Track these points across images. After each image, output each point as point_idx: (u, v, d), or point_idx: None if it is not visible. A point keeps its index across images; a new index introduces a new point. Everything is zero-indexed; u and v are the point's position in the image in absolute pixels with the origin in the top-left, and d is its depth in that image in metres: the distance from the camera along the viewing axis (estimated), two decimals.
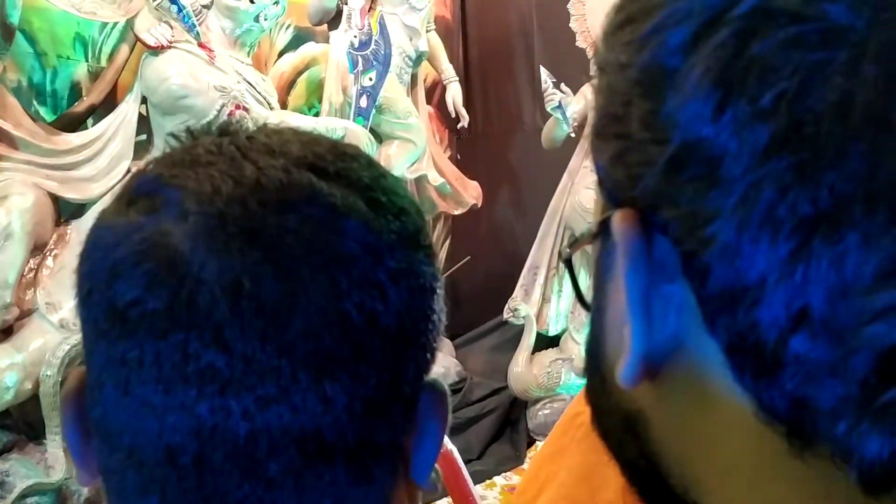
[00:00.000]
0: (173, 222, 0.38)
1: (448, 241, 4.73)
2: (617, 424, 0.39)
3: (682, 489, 0.36)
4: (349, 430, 0.39)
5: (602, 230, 0.37)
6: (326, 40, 3.80)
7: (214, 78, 2.91)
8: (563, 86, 3.83)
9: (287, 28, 3.82)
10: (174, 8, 2.90)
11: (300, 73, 3.92)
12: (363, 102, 3.48)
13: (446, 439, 0.67)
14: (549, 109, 3.85)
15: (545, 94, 3.83)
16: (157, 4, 2.91)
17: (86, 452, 0.42)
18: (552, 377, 3.91)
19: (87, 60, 3.14)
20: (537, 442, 3.79)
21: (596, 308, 0.39)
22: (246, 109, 2.93)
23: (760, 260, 0.30)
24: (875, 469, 0.30)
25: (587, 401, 0.42)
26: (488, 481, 3.56)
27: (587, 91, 4.05)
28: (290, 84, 3.91)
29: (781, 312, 0.30)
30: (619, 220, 0.34)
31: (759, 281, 0.30)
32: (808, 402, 0.30)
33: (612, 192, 0.36)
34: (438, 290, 0.43)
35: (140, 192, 0.40)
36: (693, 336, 0.33)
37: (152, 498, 0.38)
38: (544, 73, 3.84)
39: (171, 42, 2.87)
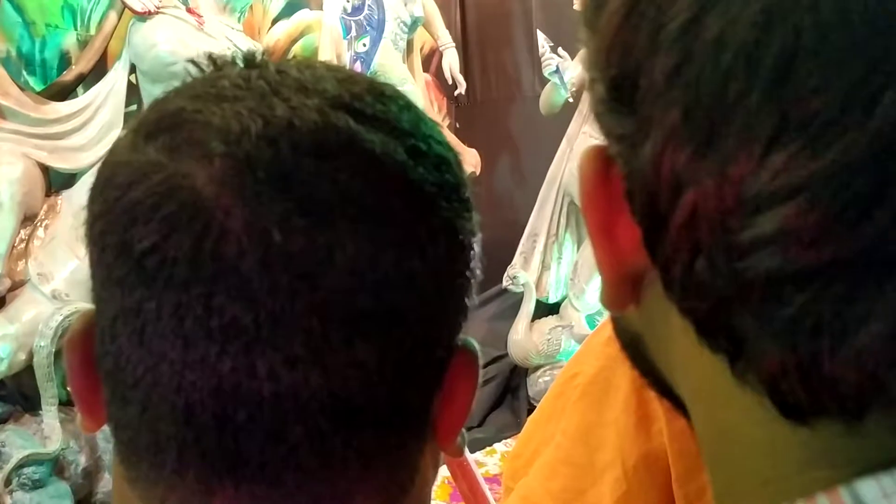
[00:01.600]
0: (196, 163, 0.34)
1: None
2: (629, 347, 0.41)
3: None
4: (380, 395, 0.36)
5: None
6: (320, 7, 3.76)
7: (203, 44, 2.87)
8: (560, 50, 3.78)
9: None
10: None
11: (295, 40, 3.88)
12: (357, 68, 3.44)
13: (466, 451, 0.65)
14: (546, 74, 3.81)
15: (543, 59, 3.78)
16: None
17: (92, 400, 0.39)
18: (552, 344, 3.90)
19: (75, 29, 3.11)
20: None
21: None
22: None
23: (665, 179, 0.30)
24: (778, 388, 0.30)
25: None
26: (488, 448, 3.57)
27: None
28: (285, 52, 3.87)
29: (682, 240, 0.30)
30: (584, 154, 0.34)
31: (665, 212, 0.30)
32: (731, 329, 0.30)
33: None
34: (475, 248, 0.40)
35: (160, 126, 0.36)
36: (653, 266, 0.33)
37: (167, 456, 0.36)
38: (542, 38, 3.79)
39: (158, 8, 2.83)
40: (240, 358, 0.34)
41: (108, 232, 0.35)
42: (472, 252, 0.40)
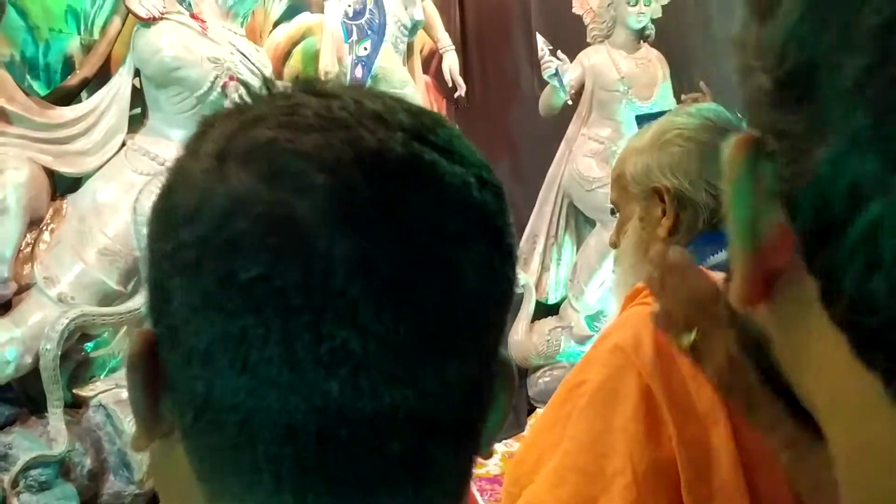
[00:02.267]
0: (297, 193, 0.36)
1: None
2: (749, 344, 0.39)
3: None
4: (456, 409, 0.39)
5: None
6: (321, 11, 3.77)
7: (207, 49, 2.90)
8: (559, 53, 3.81)
9: None
10: None
11: (295, 43, 3.90)
12: (358, 72, 3.47)
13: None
14: (545, 77, 3.84)
15: (542, 62, 3.81)
16: None
17: (154, 417, 0.40)
18: (551, 345, 3.93)
19: (79, 33, 3.12)
20: (537, 409, 3.81)
21: None
22: (240, 81, 2.92)
23: (846, 198, 0.27)
24: None
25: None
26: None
27: (584, 58, 4.03)
28: (286, 55, 3.88)
29: (859, 253, 0.28)
30: (731, 144, 0.33)
31: (842, 221, 0.28)
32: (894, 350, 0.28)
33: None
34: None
35: (252, 155, 0.37)
36: (796, 267, 0.32)
37: (265, 475, 0.37)
38: (541, 41, 3.82)
39: (162, 13, 2.85)
40: (347, 379, 0.36)
41: (208, 260, 0.36)
42: (516, 273, 0.43)
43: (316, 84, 0.41)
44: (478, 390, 0.40)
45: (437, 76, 4.44)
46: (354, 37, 3.44)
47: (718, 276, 1.13)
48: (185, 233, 0.37)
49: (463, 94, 4.36)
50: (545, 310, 4.06)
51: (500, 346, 0.43)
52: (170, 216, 0.39)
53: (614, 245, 1.36)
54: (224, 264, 0.36)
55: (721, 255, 1.21)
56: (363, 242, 0.36)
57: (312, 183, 0.36)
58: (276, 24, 3.84)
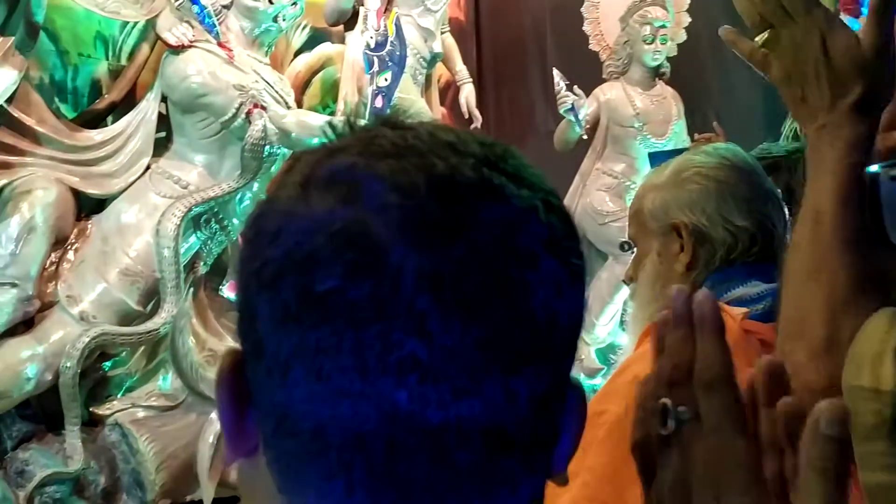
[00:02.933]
0: (374, 212, 0.38)
1: None
2: None
3: None
4: (527, 425, 0.40)
5: None
6: (342, 41, 3.84)
7: (233, 77, 2.96)
8: (576, 88, 3.87)
9: (303, 28, 3.86)
10: (195, 8, 2.95)
11: (315, 72, 3.96)
12: (378, 102, 3.52)
13: None
14: (561, 112, 3.89)
15: (558, 97, 3.86)
16: (179, 4, 2.96)
17: (240, 432, 0.42)
18: None
19: (107, 59, 3.20)
20: None
21: None
22: (263, 108, 2.98)
23: None
24: None
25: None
26: None
27: (599, 94, 4.09)
28: (306, 83, 3.95)
29: None
30: None
31: None
32: None
33: None
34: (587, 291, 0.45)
35: (335, 179, 0.40)
36: None
37: (337, 482, 0.38)
38: (557, 76, 3.88)
39: (191, 41, 2.92)
40: (414, 388, 0.37)
41: (288, 274, 0.38)
42: (586, 293, 0.44)
43: (394, 119, 0.44)
44: (548, 409, 0.41)
45: (454, 108, 4.50)
46: (376, 67, 3.51)
47: (737, 312, 1.17)
48: (270, 251, 0.40)
49: (479, 126, 4.42)
50: None
51: (571, 366, 0.44)
52: (257, 239, 0.41)
53: (630, 280, 1.38)
54: (302, 278, 0.38)
55: (738, 291, 1.24)
56: (433, 258, 0.37)
57: (387, 202, 0.38)
58: (297, 53, 3.91)
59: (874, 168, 0.68)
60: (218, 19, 3.03)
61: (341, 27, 3.84)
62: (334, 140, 0.44)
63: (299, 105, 3.80)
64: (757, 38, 0.88)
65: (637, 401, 0.54)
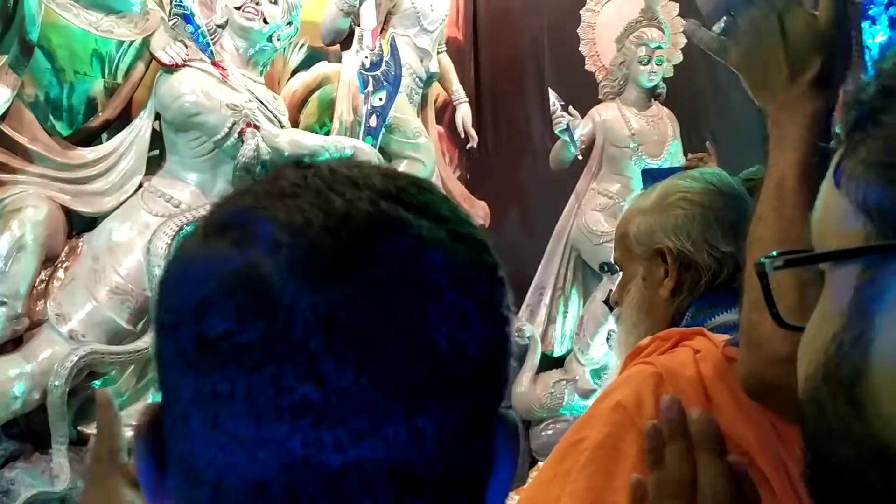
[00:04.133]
0: (264, 254, 0.37)
1: None
2: (863, 454, 0.38)
3: None
4: (437, 464, 0.38)
5: (861, 257, 0.38)
6: (339, 60, 3.85)
7: (227, 96, 2.97)
8: (571, 108, 3.87)
9: (301, 47, 3.87)
10: (189, 27, 2.96)
11: (312, 91, 3.97)
12: (372, 122, 3.53)
13: None
14: (556, 132, 3.90)
15: (553, 117, 3.87)
16: (173, 24, 2.97)
17: (159, 487, 0.41)
18: (555, 398, 3.92)
19: (103, 77, 3.20)
20: (539, 462, 3.79)
21: (858, 336, 0.39)
22: (256, 127, 2.98)
23: None
24: None
25: (806, 421, 0.42)
26: None
27: (595, 114, 4.10)
28: (303, 102, 3.95)
29: None
30: None
31: None
32: None
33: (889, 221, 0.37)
34: (513, 321, 0.43)
35: (230, 223, 0.39)
36: None
37: None
38: (553, 96, 3.88)
39: (185, 60, 2.93)
40: (309, 433, 0.36)
41: (184, 321, 0.38)
42: (510, 325, 0.43)
43: (302, 159, 0.44)
44: (464, 446, 0.40)
45: (451, 127, 4.51)
46: (370, 87, 3.51)
47: (720, 339, 1.15)
48: (169, 298, 0.40)
49: (475, 146, 4.42)
50: (550, 362, 4.05)
51: (499, 401, 0.43)
52: (162, 286, 0.41)
53: (616, 303, 1.37)
54: (196, 325, 0.38)
55: (722, 317, 1.23)
56: (325, 297, 0.36)
57: (279, 242, 0.37)
58: (294, 72, 3.92)
59: None
60: (212, 39, 3.03)
61: (338, 46, 3.86)
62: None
63: (296, 123, 3.81)
64: (714, 27, 0.90)
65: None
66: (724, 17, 0.90)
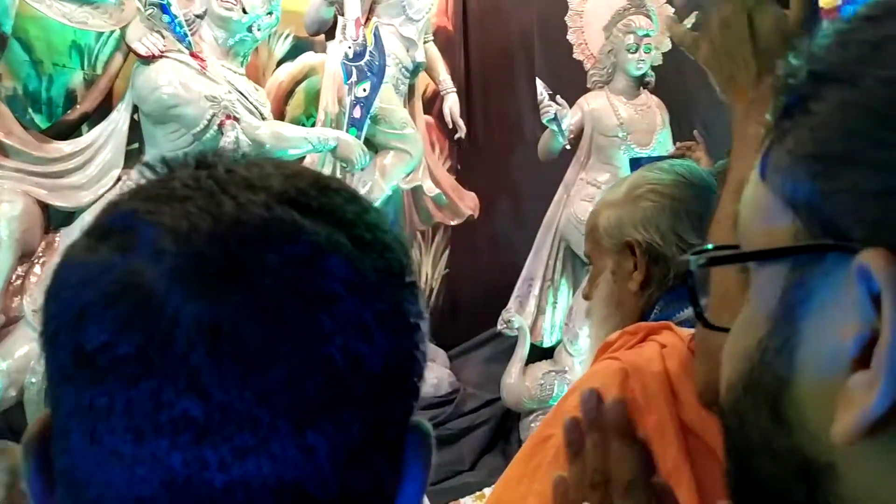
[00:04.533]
0: (147, 262, 0.35)
1: (447, 252, 4.73)
2: (787, 469, 0.36)
3: None
4: (332, 480, 0.37)
5: (789, 257, 0.35)
6: (325, 50, 3.82)
7: (205, 87, 2.93)
8: (558, 98, 3.83)
9: (286, 37, 3.84)
10: (166, 18, 2.92)
11: (298, 82, 3.94)
12: (356, 113, 3.49)
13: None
14: (544, 121, 3.86)
15: (541, 106, 3.83)
16: (149, 14, 2.93)
17: (48, 502, 0.39)
18: (545, 389, 3.90)
19: (82, 68, 3.17)
20: None
21: (783, 343, 0.36)
22: (236, 119, 2.95)
23: None
24: None
25: (728, 433, 0.40)
26: (478, 493, 3.55)
27: (583, 103, 4.06)
28: (289, 93, 3.92)
29: None
30: (882, 260, 0.31)
31: None
32: None
33: (828, 221, 0.34)
34: (423, 329, 0.41)
35: (113, 227, 0.37)
36: None
37: None
38: (540, 86, 3.84)
39: (162, 51, 2.89)
40: (190, 450, 0.34)
41: (62, 333, 0.36)
42: (419, 333, 0.41)
43: (204, 157, 0.41)
44: (365, 460, 0.38)
45: (440, 117, 4.48)
46: (354, 78, 3.47)
47: (686, 333, 1.13)
48: (50, 307, 0.38)
49: (463, 136, 4.39)
50: (540, 353, 4.03)
51: (409, 411, 0.41)
52: (46, 294, 0.39)
53: (586, 297, 1.35)
54: (74, 335, 0.36)
55: (689, 311, 1.20)
56: (210, 308, 0.35)
57: (163, 249, 0.35)
58: (279, 63, 3.88)
59: None
60: (191, 29, 2.99)
61: (324, 36, 3.82)
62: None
63: (282, 115, 3.78)
64: (685, 22, 0.90)
65: (555, 501, 0.52)
66: (696, 13, 0.88)
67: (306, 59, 3.90)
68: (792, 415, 0.35)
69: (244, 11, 3.06)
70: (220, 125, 2.90)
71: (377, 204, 3.82)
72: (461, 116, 4.36)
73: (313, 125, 3.71)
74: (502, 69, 4.90)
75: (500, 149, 4.92)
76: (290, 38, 3.86)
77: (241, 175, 0.39)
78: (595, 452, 0.52)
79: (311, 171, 0.42)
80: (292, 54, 3.91)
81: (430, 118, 4.51)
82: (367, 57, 3.46)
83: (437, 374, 4.01)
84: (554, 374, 3.92)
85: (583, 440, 0.53)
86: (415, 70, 4.01)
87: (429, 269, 4.65)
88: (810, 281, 0.35)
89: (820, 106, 0.35)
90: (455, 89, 4.32)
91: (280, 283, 0.36)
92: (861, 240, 0.32)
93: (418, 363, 0.41)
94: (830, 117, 0.34)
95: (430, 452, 0.42)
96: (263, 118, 3.15)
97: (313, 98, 3.88)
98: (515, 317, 3.93)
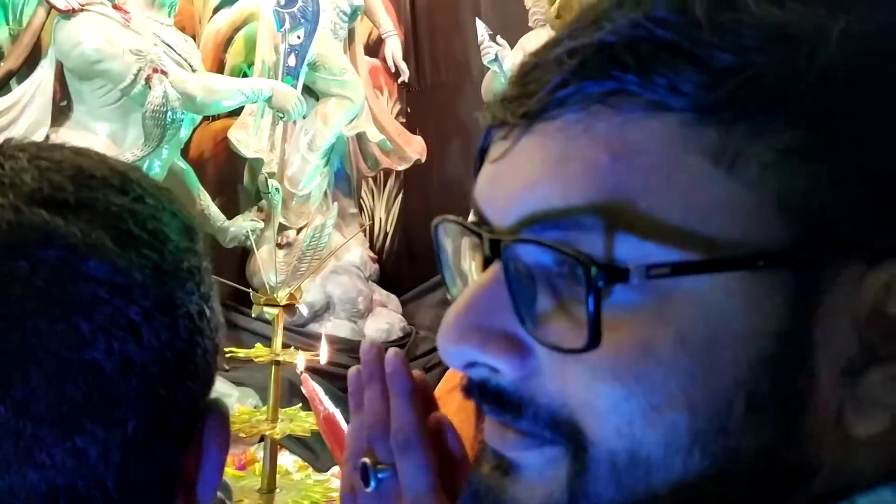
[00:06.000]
0: None
1: (400, 196, 4.72)
2: (786, 482, 0.33)
3: None
4: (107, 479, 0.37)
5: (788, 263, 0.31)
6: None
7: (130, 41, 2.87)
8: (499, 38, 3.80)
9: None
10: None
11: (237, 29, 3.85)
12: (291, 61, 3.44)
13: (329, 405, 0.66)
14: (485, 62, 3.82)
15: (482, 47, 3.79)
16: None
17: None
18: None
19: (8, 24, 3.08)
20: None
21: (801, 354, 0.32)
22: (164, 73, 2.89)
23: None
24: None
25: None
26: None
27: (525, 43, 4.02)
28: (228, 41, 3.84)
29: None
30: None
31: None
32: None
33: (831, 221, 0.31)
34: (209, 312, 0.41)
35: None
36: None
37: None
38: (481, 27, 3.80)
39: (82, 5, 2.81)
40: None
41: None
42: (203, 319, 0.40)
43: None
44: (147, 451, 0.38)
45: (386, 60, 4.43)
46: (287, 25, 3.41)
47: None
48: None
49: (407, 80, 4.35)
50: None
51: (192, 398, 0.40)
52: None
53: None
54: None
55: None
56: None
57: None
58: (216, 10, 3.79)
59: None
60: None
61: None
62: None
63: (221, 64, 3.71)
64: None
65: (344, 456, 0.53)
66: None
67: (244, 5, 3.81)
68: (808, 424, 0.33)
69: None
70: (148, 79, 2.85)
71: (321, 152, 3.80)
72: (409, 58, 4.30)
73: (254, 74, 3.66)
74: (448, 8, 4.82)
75: (449, 90, 4.88)
76: None
77: None
78: (376, 406, 0.51)
79: (75, 161, 0.40)
80: (229, 1, 3.82)
81: (376, 62, 4.45)
82: (299, 3, 3.39)
83: (388, 320, 4.04)
84: None
85: (362, 392, 0.53)
86: (353, 14, 3.94)
87: (382, 213, 4.65)
88: (806, 285, 0.32)
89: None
90: (395, 32, 4.26)
91: (30, 292, 0.35)
92: (868, 242, 0.31)
93: (203, 348, 0.41)
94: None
95: (227, 432, 0.43)
96: (193, 70, 3.10)
97: (253, 45, 3.80)
98: None
